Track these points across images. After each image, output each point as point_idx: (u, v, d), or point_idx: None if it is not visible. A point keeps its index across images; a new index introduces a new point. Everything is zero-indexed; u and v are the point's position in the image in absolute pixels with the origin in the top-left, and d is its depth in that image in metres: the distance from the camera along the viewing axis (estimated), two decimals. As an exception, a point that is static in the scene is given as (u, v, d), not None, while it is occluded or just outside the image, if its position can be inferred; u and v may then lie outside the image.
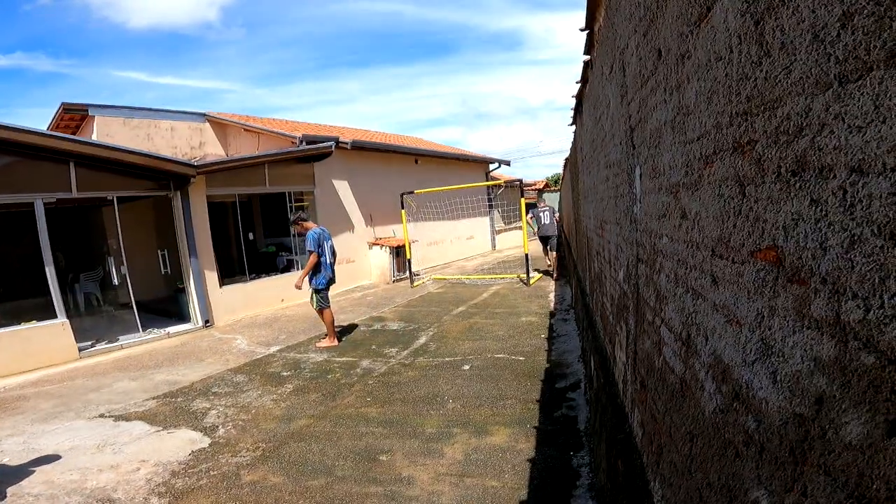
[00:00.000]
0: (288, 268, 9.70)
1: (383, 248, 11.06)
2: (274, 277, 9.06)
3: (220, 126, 11.68)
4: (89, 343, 6.50)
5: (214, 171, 7.65)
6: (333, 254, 6.15)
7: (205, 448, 3.52)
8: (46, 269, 5.97)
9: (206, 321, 7.55)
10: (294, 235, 9.58)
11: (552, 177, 35.08)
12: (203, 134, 11.53)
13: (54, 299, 6.05)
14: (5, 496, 2.95)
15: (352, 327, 7.07)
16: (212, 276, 7.72)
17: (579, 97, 4.16)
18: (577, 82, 3.80)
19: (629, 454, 1.69)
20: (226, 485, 2.99)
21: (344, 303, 9.00)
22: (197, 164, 7.29)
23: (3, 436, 3.92)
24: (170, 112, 11.10)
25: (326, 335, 6.21)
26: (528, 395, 4.14)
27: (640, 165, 1.52)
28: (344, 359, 5.54)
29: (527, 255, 9.76)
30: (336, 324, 7.17)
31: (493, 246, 17.05)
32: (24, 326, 5.88)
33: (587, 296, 4.97)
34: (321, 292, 6.01)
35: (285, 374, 5.14)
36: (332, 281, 6.06)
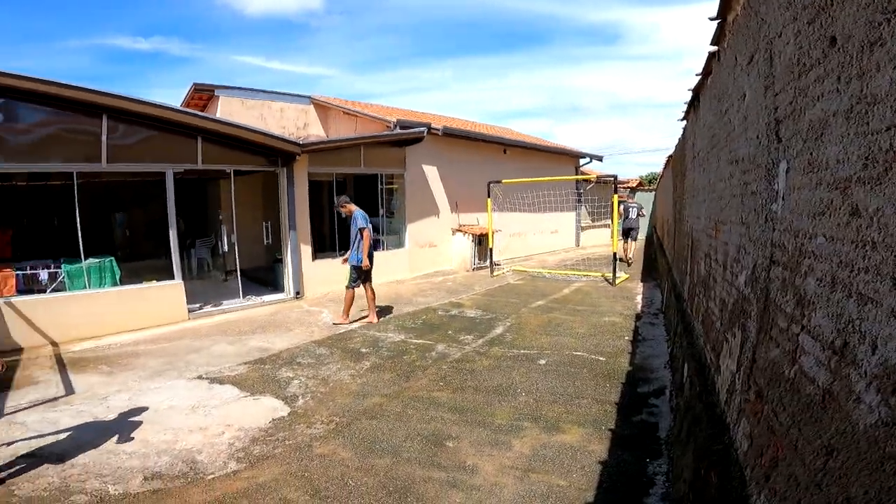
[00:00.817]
0: (374, 247, 10.05)
1: (466, 235, 11.10)
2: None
3: (323, 109, 12.36)
4: (197, 305, 7.17)
5: (317, 151, 8.11)
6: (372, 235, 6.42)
7: (284, 417, 3.69)
8: (170, 233, 6.67)
9: (297, 293, 8.07)
10: (382, 216, 9.94)
11: (646, 176, 33.11)
12: (307, 116, 12.28)
13: (174, 262, 6.74)
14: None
15: (429, 310, 7.18)
16: (306, 250, 8.23)
17: (697, 91, 3.92)
18: (696, 75, 3.57)
19: (726, 466, 1.63)
20: (298, 455, 3.12)
21: (424, 286, 9.18)
22: (302, 143, 7.78)
23: (112, 392, 4.21)
24: (280, 94, 11.94)
25: (368, 314, 6.58)
26: (605, 396, 3.95)
27: (789, 160, 1.44)
28: (420, 341, 5.65)
29: (615, 254, 9.28)
30: (414, 307, 7.36)
31: (577, 242, 16.45)
32: (146, 285, 6.60)
33: (683, 300, 4.67)
34: (355, 270, 6.24)
35: (364, 350, 5.34)
36: (366, 262, 6.24)
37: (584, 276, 10.01)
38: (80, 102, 5.83)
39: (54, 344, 5.67)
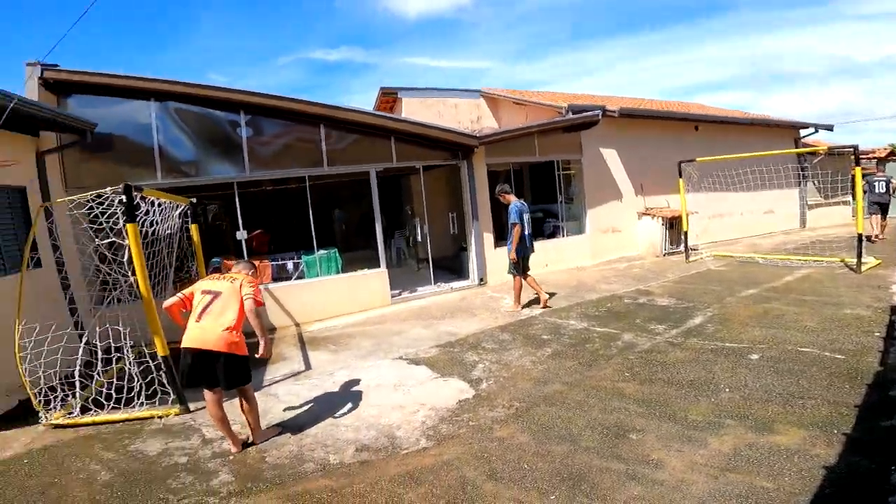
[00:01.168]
0: (554, 234, 9.96)
1: (655, 218, 10.16)
2: (540, 242, 9.46)
3: (492, 100, 12.65)
4: (397, 291, 8.06)
5: (492, 142, 8.39)
6: (530, 226, 6.49)
7: (469, 399, 3.88)
8: (376, 227, 7.71)
9: (481, 279, 8.49)
10: (561, 202, 9.76)
11: (898, 143, 25.26)
12: (479, 109, 12.72)
13: (380, 252, 7.75)
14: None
15: (613, 298, 6.81)
16: (488, 238, 8.59)
17: None
18: None
19: None
20: (479, 437, 3.26)
21: (607, 272, 8.73)
22: (479, 136, 8.15)
23: (336, 369, 4.86)
24: (453, 91, 12.59)
25: (541, 300, 6.58)
26: (841, 397, 3.24)
27: None
28: (604, 329, 5.41)
29: (860, 236, 7.39)
30: (597, 294, 7.06)
31: (803, 223, 13.54)
32: (359, 273, 7.70)
33: None
34: (510, 260, 6.39)
35: (545, 337, 5.34)
36: (527, 251, 6.43)
37: (815, 260, 8.21)
38: (304, 114, 7.08)
39: (297, 324, 7.01)
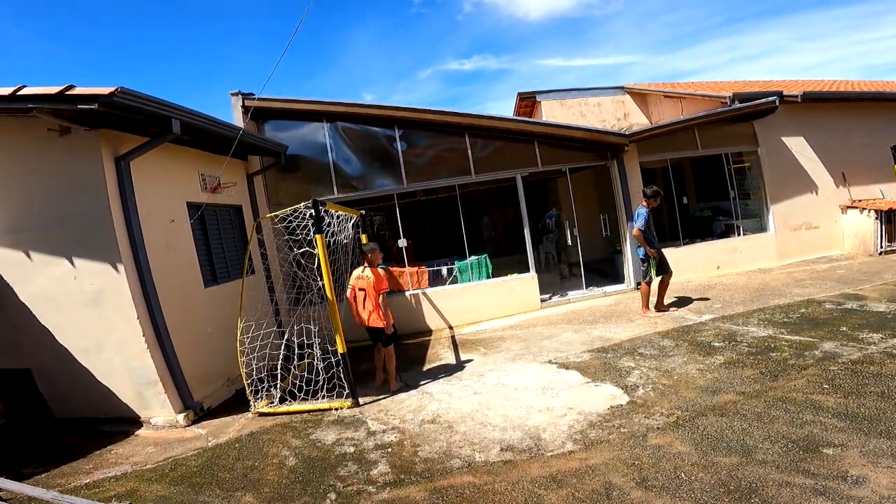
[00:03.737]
0: (726, 233, 8.82)
1: (865, 211, 8.30)
2: (709, 243, 8.48)
3: (640, 96, 11.75)
4: (547, 295, 7.99)
5: (643, 139, 7.83)
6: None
7: (622, 405, 3.70)
8: (525, 231, 7.77)
9: (638, 283, 7.91)
10: (734, 199, 8.62)
11: None
12: (625, 106, 11.91)
13: (529, 256, 7.79)
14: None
15: (809, 303, 5.75)
16: (644, 241, 8.00)
17: None
18: None
19: None
20: (631, 443, 3.08)
21: (799, 274, 7.39)
22: (628, 134, 7.69)
23: (486, 370, 4.97)
24: (593, 90, 12.01)
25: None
26: None
27: None
28: (796, 337, 4.61)
29: None
30: (786, 299, 6.05)
31: None
32: (509, 278, 7.82)
33: None
34: (644, 263, 6.25)
35: (717, 344, 4.77)
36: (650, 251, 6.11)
37: None
38: (450, 124, 7.52)
39: (450, 327, 7.41)
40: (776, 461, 2.62)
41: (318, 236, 4.57)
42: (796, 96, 8.29)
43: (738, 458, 2.71)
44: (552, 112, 11.71)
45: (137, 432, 4.54)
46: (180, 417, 4.65)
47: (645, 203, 6.19)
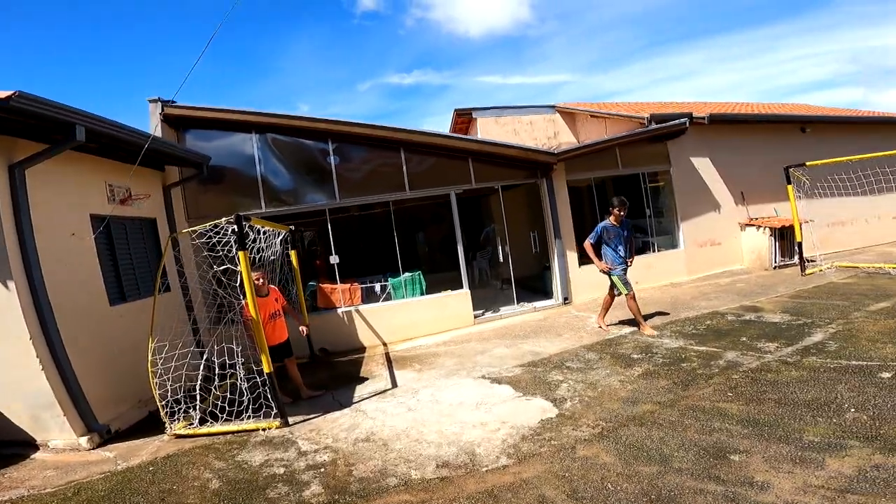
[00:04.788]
0: (643, 249, 9.44)
1: (761, 228, 9.25)
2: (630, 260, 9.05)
3: (569, 115, 12.39)
4: (480, 311, 8.11)
5: (570, 158, 8.24)
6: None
7: (552, 418, 3.79)
8: (458, 248, 7.86)
9: (566, 298, 8.26)
10: (649, 217, 9.28)
11: None
12: (556, 124, 12.51)
13: (462, 272, 7.88)
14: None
15: (714, 315, 6.27)
16: (572, 256, 8.37)
17: None
18: None
19: None
20: (561, 456, 3.17)
21: (706, 288, 8.07)
22: (556, 153, 8.07)
23: (420, 387, 4.97)
24: (527, 108, 12.51)
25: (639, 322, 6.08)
26: None
27: None
28: (703, 348, 5.00)
29: None
30: (694, 312, 6.56)
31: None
32: (442, 294, 7.87)
33: None
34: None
35: (635, 356, 5.06)
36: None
37: (969, 268, 6.95)
38: (385, 139, 7.49)
39: (384, 344, 7.31)
40: (690, 469, 2.78)
41: (241, 253, 4.35)
42: (703, 118, 9.09)
43: (658, 467, 2.85)
44: (488, 129, 12.00)
45: (34, 455, 4.12)
46: (83, 440, 4.26)
47: (611, 217, 5.93)
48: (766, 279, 8.26)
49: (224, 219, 4.59)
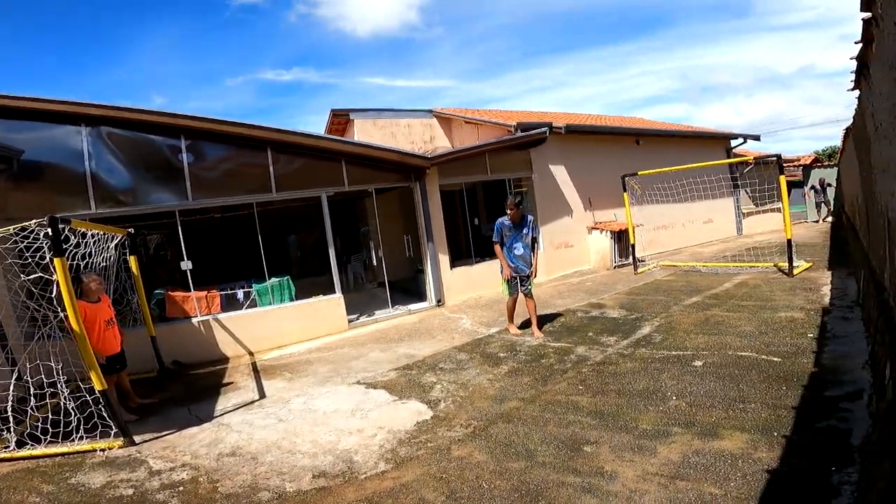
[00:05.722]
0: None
1: (604, 232, 10.54)
2: (496, 261, 9.61)
3: (445, 120, 12.83)
4: (355, 316, 7.96)
5: (443, 162, 8.50)
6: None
7: (427, 420, 3.86)
8: (330, 252, 7.58)
9: (439, 300, 8.49)
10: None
11: (824, 150, 27.91)
12: (433, 129, 12.85)
13: (334, 277, 7.62)
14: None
15: (567, 312, 6.96)
16: (444, 259, 8.63)
17: (863, 59, 3.44)
18: (856, 42, 3.23)
19: None
20: (437, 457, 3.23)
21: (561, 287, 8.94)
22: (430, 157, 8.24)
23: (292, 396, 4.80)
24: (405, 111, 12.68)
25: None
26: (779, 400, 3.41)
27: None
28: (559, 344, 5.51)
29: (789, 241, 7.92)
30: (552, 310, 7.20)
31: (739, 230, 14.43)
32: (314, 300, 7.53)
33: (885, 291, 3.84)
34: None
35: (502, 355, 5.37)
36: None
37: (751, 267, 8.72)
38: (250, 138, 6.93)
39: (250, 353, 6.79)
40: (553, 462, 3.02)
41: (57, 260, 3.73)
42: (561, 128, 10.04)
43: (525, 463, 3.05)
44: (365, 131, 11.81)
45: None
46: None
47: (508, 214, 5.77)
48: (609, 278, 9.43)
49: (34, 221, 3.83)
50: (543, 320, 6.54)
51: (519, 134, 9.45)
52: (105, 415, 3.93)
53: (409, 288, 9.49)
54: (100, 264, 5.16)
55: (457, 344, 6.04)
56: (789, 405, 3.30)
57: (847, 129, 8.11)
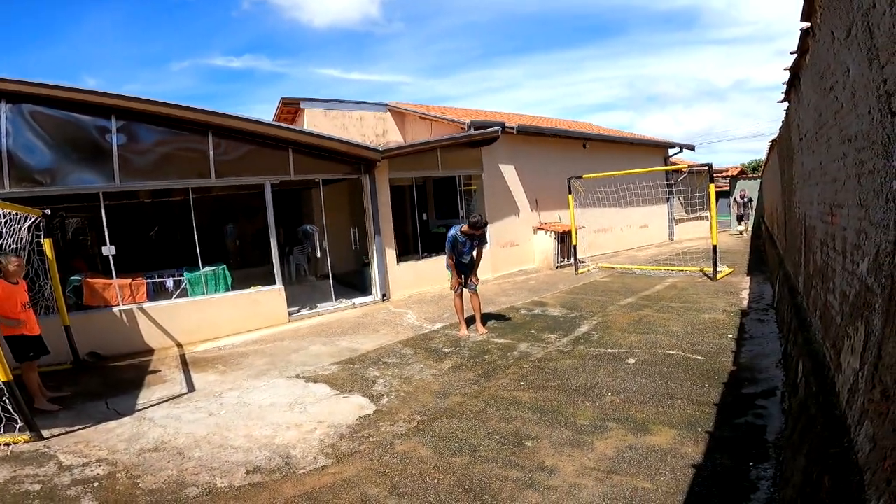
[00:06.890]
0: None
1: (548, 232, 10.85)
2: (442, 257, 9.62)
3: (399, 115, 12.74)
4: (296, 308, 7.71)
5: (395, 156, 8.40)
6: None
7: (370, 415, 3.82)
8: (271, 242, 7.29)
9: (384, 295, 8.39)
10: (462, 217, 10.01)
11: (750, 163, 30.27)
12: (385, 123, 12.73)
13: (275, 268, 7.33)
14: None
15: (511, 310, 7.11)
16: (391, 254, 8.54)
17: (795, 70, 3.62)
18: (791, 53, 3.34)
19: (843, 470, 1.59)
20: (380, 452, 3.20)
21: (506, 285, 9.11)
22: (381, 149, 8.11)
23: (224, 390, 4.60)
24: (359, 103, 12.50)
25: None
26: (703, 397, 3.64)
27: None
28: (502, 341, 5.60)
29: (714, 247, 8.51)
30: (497, 307, 7.32)
31: (671, 236, 15.36)
32: (252, 290, 7.22)
33: (798, 294, 4.21)
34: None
35: (446, 350, 5.40)
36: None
37: (680, 270, 9.30)
38: (189, 121, 6.53)
39: (179, 345, 6.41)
40: (495, 457, 3.06)
41: None
42: (513, 128, 10.22)
43: (469, 457, 3.07)
44: (315, 121, 11.50)
45: None
46: None
47: (465, 230, 5.82)
48: (551, 277, 9.72)
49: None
50: (488, 317, 6.63)
51: (472, 131, 9.52)
52: (10, 407, 3.61)
53: (353, 282, 9.31)
54: (10, 246, 4.67)
55: (401, 339, 6.00)
56: (711, 402, 3.54)
57: (773, 141, 8.76)
